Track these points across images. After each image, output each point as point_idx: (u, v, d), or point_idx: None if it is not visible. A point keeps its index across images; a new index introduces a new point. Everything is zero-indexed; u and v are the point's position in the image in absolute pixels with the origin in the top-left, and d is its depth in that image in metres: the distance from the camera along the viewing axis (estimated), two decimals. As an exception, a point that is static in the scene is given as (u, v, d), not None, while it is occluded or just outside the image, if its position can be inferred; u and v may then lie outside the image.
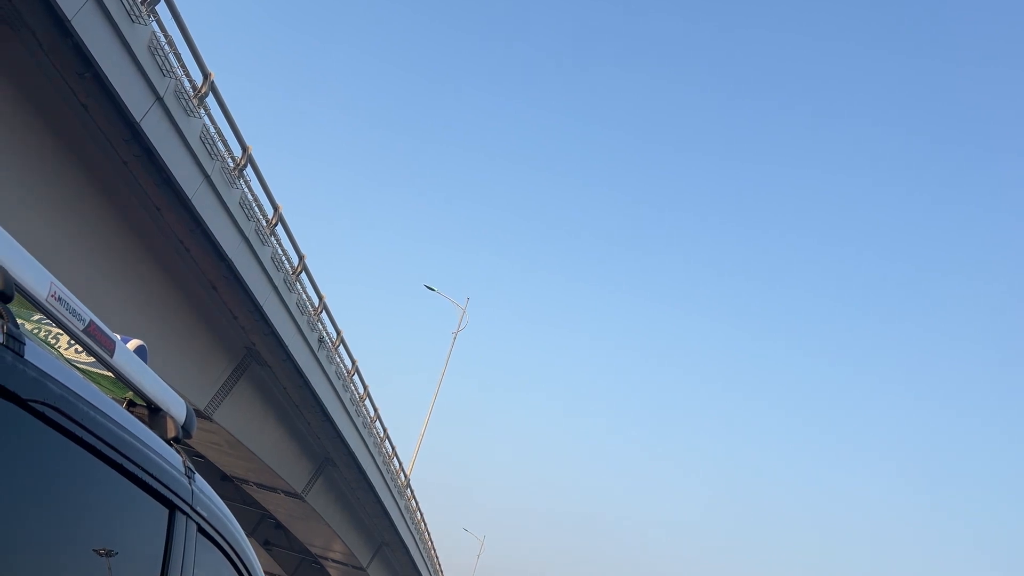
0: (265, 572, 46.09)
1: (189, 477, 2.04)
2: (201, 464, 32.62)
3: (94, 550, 1.55)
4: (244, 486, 33.13)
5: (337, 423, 26.34)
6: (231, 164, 17.76)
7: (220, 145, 17.10)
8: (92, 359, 1.99)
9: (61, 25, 12.39)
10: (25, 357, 1.42)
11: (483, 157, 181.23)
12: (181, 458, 2.06)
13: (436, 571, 52.41)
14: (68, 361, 1.94)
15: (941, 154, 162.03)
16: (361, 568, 40.93)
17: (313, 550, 41.68)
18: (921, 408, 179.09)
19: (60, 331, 1.98)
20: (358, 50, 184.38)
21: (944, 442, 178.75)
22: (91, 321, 1.67)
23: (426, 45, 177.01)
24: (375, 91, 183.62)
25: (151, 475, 1.78)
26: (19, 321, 1.77)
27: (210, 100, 16.60)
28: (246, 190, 18.55)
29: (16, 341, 1.40)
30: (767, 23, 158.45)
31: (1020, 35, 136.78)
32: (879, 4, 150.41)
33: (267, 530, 41.85)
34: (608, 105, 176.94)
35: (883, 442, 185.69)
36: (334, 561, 42.63)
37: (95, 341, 1.68)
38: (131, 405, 2.11)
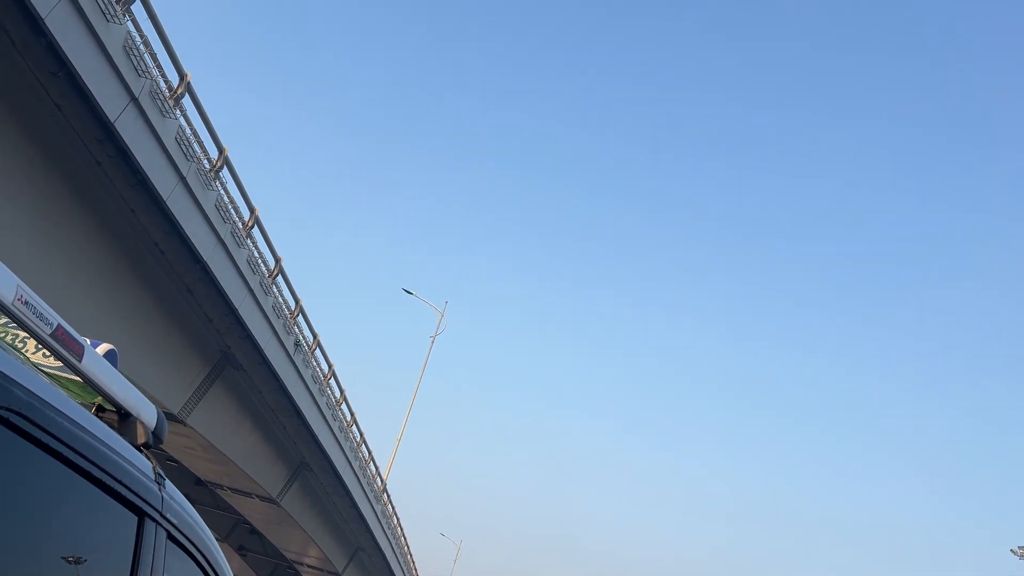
0: (239, 578, 45.60)
1: (159, 483, 2.02)
2: (175, 468, 32.27)
3: (62, 558, 1.53)
4: (218, 491, 32.81)
5: (313, 427, 26.17)
6: (207, 166, 17.61)
7: (196, 146, 16.95)
8: (60, 364, 1.96)
9: (34, 23, 12.23)
10: (-10, 362, 1.39)
11: (467, 162, 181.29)
12: (151, 464, 2.03)
13: (412, 576, 52.18)
14: (35, 366, 1.91)
15: (954, 158, 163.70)
16: (337, 573, 40.66)
17: (288, 555, 41.35)
18: (929, 410, 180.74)
19: (27, 335, 1.96)
20: (334, 55, 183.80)
21: (954, 443, 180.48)
22: (59, 325, 1.65)
23: (404, 51, 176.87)
24: (352, 96, 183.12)
25: (120, 482, 1.76)
26: (-15, 325, 1.74)
27: (186, 101, 16.45)
28: (222, 192, 18.40)
29: (-20, 346, 1.38)
30: (767, 30, 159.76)
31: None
32: (876, 7, 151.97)
33: (242, 535, 41.47)
34: (599, 108, 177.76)
35: (891, 444, 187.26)
36: (309, 566, 42.31)
37: (63, 345, 1.66)
38: (100, 410, 2.08)
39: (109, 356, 2.14)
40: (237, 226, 19.23)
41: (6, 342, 1.91)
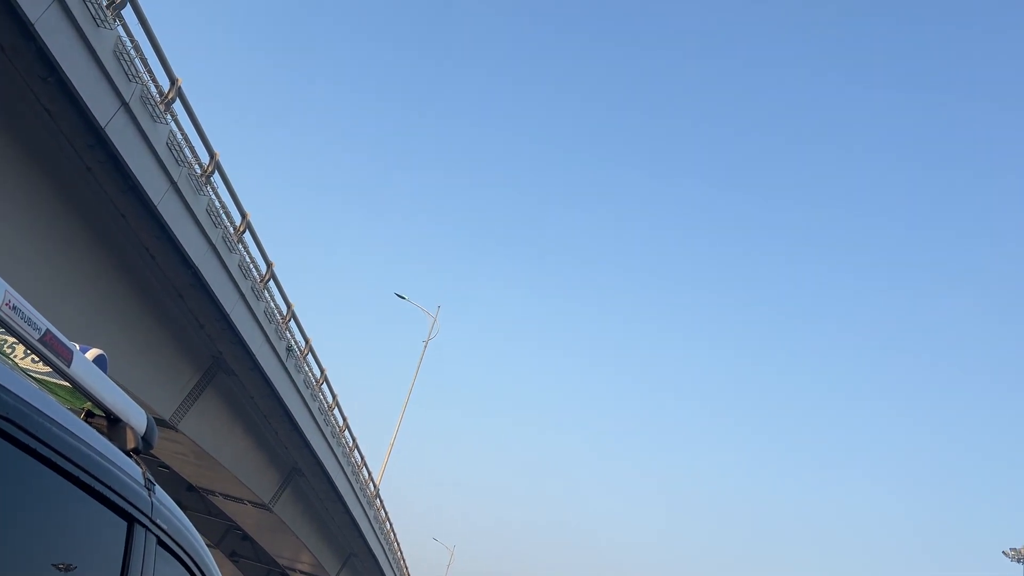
0: (231, 584, 45.39)
1: (149, 489, 2.01)
2: (166, 474, 32.11)
3: (51, 564, 1.52)
4: (210, 497, 32.66)
5: (305, 433, 26.08)
6: (198, 170, 17.56)
7: (187, 151, 16.91)
8: (49, 369, 1.96)
9: (24, 28, 12.19)
10: (-22, 368, 1.39)
11: (452, 172, 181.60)
12: (141, 470, 2.03)
13: (405, 581, 52.00)
14: (23, 371, 1.90)
15: (926, 174, 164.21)
16: (329, 579, 40.52)
17: (281, 561, 41.18)
18: (923, 409, 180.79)
19: (15, 341, 1.95)
20: (325, 63, 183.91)
21: (949, 444, 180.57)
22: (47, 330, 1.65)
23: (392, 61, 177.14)
24: (347, 104, 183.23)
25: (109, 488, 1.75)
26: (-27, 331, 1.74)
27: (177, 106, 16.41)
28: (213, 197, 18.36)
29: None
30: (765, 55, 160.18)
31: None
32: (858, 33, 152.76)
33: (234, 541, 41.27)
34: (587, 122, 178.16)
35: (885, 445, 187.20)
36: (302, 572, 42.14)
37: (52, 351, 1.66)
38: (89, 416, 2.08)
39: (99, 361, 2.14)
40: (228, 231, 19.18)
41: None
